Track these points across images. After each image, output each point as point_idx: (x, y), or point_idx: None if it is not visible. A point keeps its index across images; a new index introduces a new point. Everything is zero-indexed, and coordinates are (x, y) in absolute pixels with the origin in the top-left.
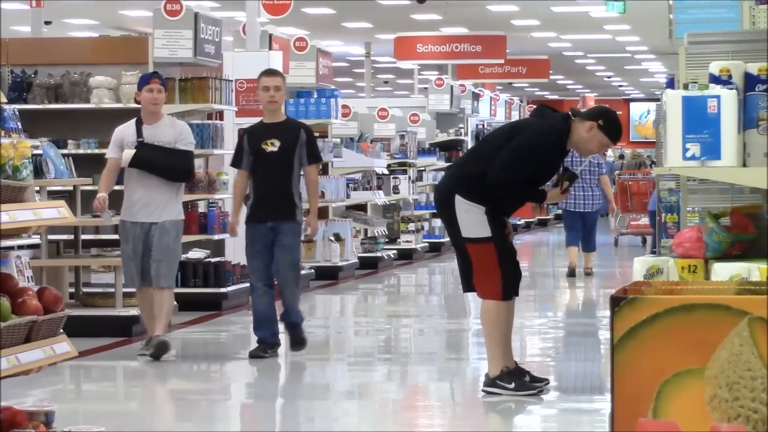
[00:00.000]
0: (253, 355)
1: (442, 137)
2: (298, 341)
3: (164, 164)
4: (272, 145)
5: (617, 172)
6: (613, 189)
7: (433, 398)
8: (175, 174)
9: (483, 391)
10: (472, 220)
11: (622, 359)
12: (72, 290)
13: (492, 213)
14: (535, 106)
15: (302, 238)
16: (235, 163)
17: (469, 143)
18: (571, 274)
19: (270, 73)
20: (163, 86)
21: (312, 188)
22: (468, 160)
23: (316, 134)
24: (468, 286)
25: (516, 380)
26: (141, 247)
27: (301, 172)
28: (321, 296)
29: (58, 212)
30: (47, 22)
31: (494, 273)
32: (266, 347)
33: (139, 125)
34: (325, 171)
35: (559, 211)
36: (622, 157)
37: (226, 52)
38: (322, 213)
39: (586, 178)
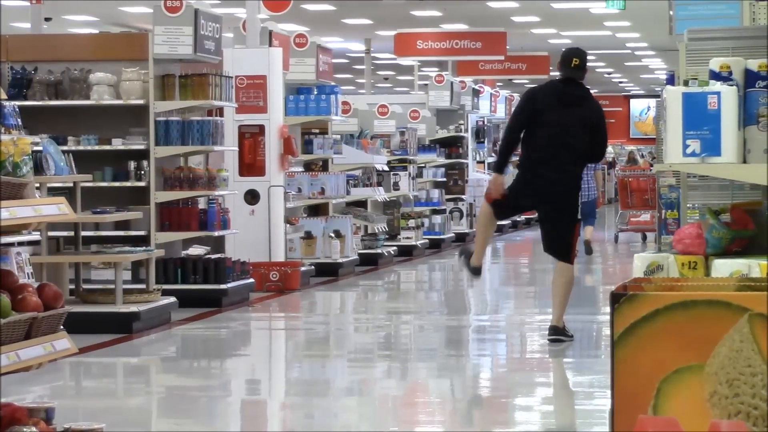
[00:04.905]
0: None
1: (443, 134)
2: None
3: None
4: None
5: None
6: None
7: (433, 395)
8: None
9: (551, 341)
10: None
11: (622, 356)
12: (72, 287)
13: None
14: (570, 74)
15: None
16: None
17: (470, 140)
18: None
19: None
20: None
21: None
22: (578, 161)
23: (316, 131)
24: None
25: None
26: None
27: None
28: (321, 293)
29: (58, 209)
30: (47, 19)
31: (576, 244)
32: None
33: None
34: (325, 167)
35: None
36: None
37: (226, 48)
38: (323, 209)
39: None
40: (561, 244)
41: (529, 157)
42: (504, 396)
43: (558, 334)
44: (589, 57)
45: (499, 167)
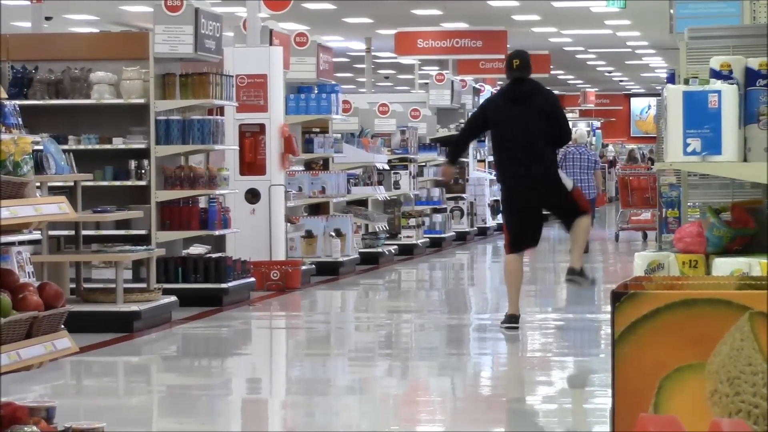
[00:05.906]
0: None
1: (443, 132)
2: None
3: None
4: None
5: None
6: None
7: (434, 393)
8: None
9: (567, 280)
10: (565, 180)
11: (622, 354)
12: (73, 286)
13: None
14: (514, 75)
15: None
16: None
17: None
18: None
19: None
20: None
21: None
22: (544, 147)
23: (317, 130)
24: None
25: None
26: None
27: None
28: (322, 291)
29: (58, 208)
30: (48, 18)
31: (583, 198)
32: None
33: None
34: (325, 166)
35: None
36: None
37: (227, 47)
38: (324, 208)
39: (584, 170)
40: (568, 206)
41: (501, 163)
42: (504, 395)
43: (574, 274)
44: (589, 55)
45: (451, 159)
